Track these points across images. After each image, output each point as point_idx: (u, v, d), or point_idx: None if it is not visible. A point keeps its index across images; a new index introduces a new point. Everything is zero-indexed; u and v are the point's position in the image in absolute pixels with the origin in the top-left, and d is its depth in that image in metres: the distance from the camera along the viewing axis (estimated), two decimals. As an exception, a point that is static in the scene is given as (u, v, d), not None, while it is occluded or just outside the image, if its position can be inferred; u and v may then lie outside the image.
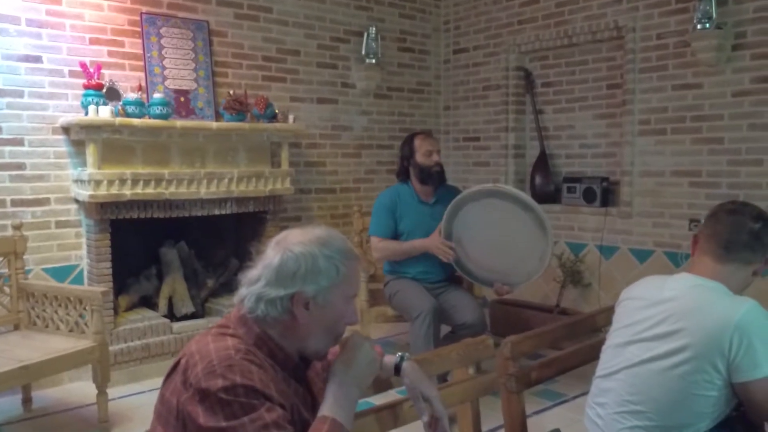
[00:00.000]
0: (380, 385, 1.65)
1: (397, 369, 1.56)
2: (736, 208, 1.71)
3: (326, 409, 1.24)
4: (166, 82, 3.96)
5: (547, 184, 4.79)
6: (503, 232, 3.14)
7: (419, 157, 3.43)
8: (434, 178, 3.43)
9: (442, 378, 2.64)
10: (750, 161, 3.75)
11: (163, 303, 4.04)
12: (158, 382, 1.31)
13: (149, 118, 3.69)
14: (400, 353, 1.59)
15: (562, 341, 2.30)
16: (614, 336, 1.80)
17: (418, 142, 3.47)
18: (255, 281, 1.28)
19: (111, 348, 3.56)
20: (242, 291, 1.30)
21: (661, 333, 1.63)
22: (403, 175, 3.55)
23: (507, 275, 3.21)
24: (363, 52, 4.89)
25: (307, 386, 1.33)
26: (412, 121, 5.34)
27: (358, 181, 5.04)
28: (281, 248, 1.29)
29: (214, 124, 3.96)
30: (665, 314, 1.64)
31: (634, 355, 1.69)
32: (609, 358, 1.79)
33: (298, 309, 1.26)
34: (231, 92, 4.16)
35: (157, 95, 3.78)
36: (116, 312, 3.80)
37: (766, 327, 1.54)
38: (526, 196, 3.11)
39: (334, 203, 4.89)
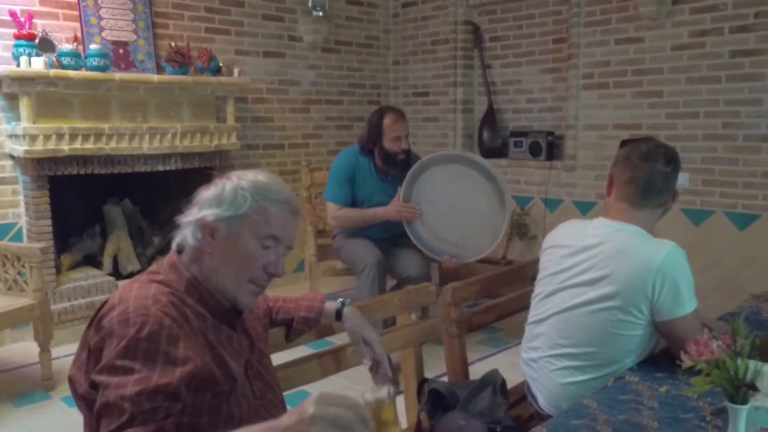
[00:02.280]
0: (322, 331, 1.68)
1: (339, 315, 1.59)
2: (648, 151, 1.72)
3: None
4: (104, 33, 3.81)
5: (494, 139, 4.85)
6: (462, 200, 3.12)
7: (386, 143, 3.27)
8: (398, 164, 3.29)
9: (390, 324, 2.68)
10: (687, 114, 3.87)
11: (107, 261, 3.98)
12: None
13: (86, 70, 3.56)
14: (341, 299, 1.62)
15: (502, 288, 2.37)
16: (542, 284, 1.86)
17: (387, 124, 3.27)
18: (188, 215, 1.28)
19: (54, 307, 3.51)
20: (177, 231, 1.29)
21: (587, 280, 1.69)
22: (366, 150, 3.36)
23: (458, 246, 3.20)
24: (310, 5, 4.79)
25: (244, 330, 1.34)
26: (361, 76, 5.29)
27: (307, 136, 5.00)
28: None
29: (156, 77, 3.85)
30: (591, 261, 1.70)
31: (563, 301, 1.75)
32: (539, 304, 1.85)
33: (204, 236, 1.24)
34: (172, 44, 4.04)
35: (93, 47, 3.64)
36: (59, 271, 3.73)
37: (686, 268, 1.62)
38: (490, 166, 3.08)
39: (282, 159, 4.84)
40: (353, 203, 3.37)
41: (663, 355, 1.70)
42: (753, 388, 1.14)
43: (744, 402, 1.14)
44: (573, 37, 4.30)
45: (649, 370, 1.61)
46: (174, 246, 1.30)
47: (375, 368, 1.62)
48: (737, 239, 3.74)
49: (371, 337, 1.57)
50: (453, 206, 3.14)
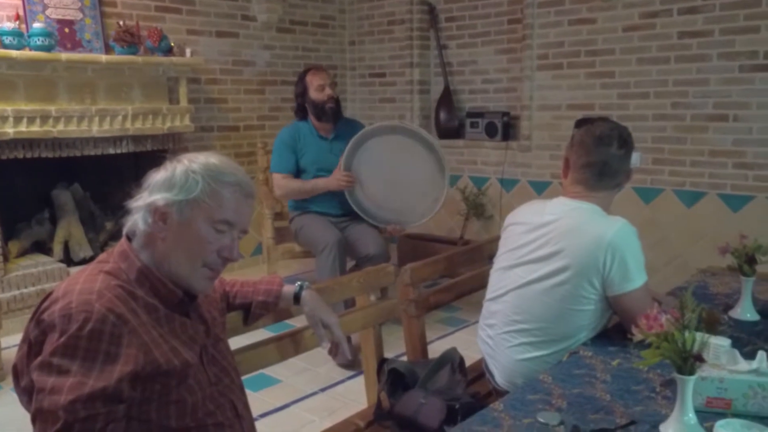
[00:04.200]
0: (280, 313, 1.67)
1: (297, 298, 1.58)
2: (602, 135, 1.75)
3: None
4: (48, 11, 3.67)
5: (451, 120, 4.87)
6: (402, 169, 3.20)
7: (312, 93, 3.37)
8: (328, 113, 3.38)
9: (350, 305, 2.69)
10: (638, 94, 3.95)
11: (58, 248, 3.87)
12: None
13: (30, 50, 3.42)
14: (299, 282, 1.60)
15: (460, 268, 2.40)
16: (500, 260, 1.89)
17: (309, 77, 3.40)
18: (138, 199, 1.25)
19: (2, 296, 3.41)
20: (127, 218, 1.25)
21: (543, 255, 1.73)
22: (300, 112, 3.48)
23: (400, 213, 3.29)
24: (263, -17, 4.70)
25: (200, 316, 1.32)
26: (317, 57, 5.23)
27: (263, 118, 4.93)
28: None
29: (104, 58, 3.74)
30: (546, 237, 1.74)
31: (519, 276, 1.78)
32: (496, 281, 1.89)
33: (156, 221, 1.21)
34: (121, 23, 3.91)
35: (37, 25, 3.49)
36: (6, 258, 3.61)
37: (636, 244, 1.67)
38: (429, 135, 3.16)
39: (237, 141, 4.77)
40: (302, 170, 3.43)
41: (616, 330, 1.75)
42: (700, 359, 1.18)
43: (691, 373, 1.18)
44: (527, 17, 4.33)
45: (602, 345, 1.66)
46: (125, 232, 1.26)
47: (334, 351, 1.63)
48: (685, 216, 3.86)
49: (330, 320, 1.57)
50: (394, 175, 3.22)
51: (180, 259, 1.22)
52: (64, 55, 3.56)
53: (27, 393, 1.13)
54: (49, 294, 1.16)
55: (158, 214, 1.21)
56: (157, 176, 1.24)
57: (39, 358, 1.08)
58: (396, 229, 3.33)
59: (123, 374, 1.07)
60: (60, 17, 3.72)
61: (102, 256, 1.26)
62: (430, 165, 3.13)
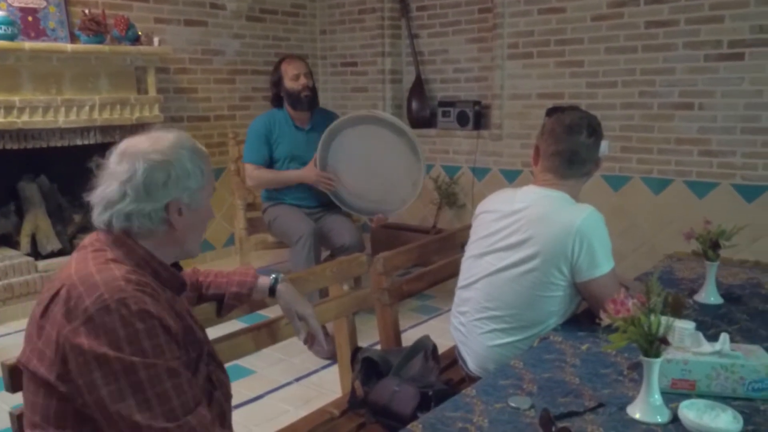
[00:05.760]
0: (253, 305, 1.67)
1: (272, 290, 1.58)
2: (572, 124, 1.78)
3: None
4: (10, 0, 3.58)
5: (423, 109, 4.88)
6: (377, 158, 3.20)
7: (287, 82, 3.36)
8: (304, 102, 3.37)
9: (324, 295, 2.70)
10: (606, 83, 4.00)
11: (25, 241, 3.80)
12: (24, 323, 1.23)
13: (-8, 39, 3.34)
14: (274, 275, 1.59)
15: (432, 256, 2.42)
16: (472, 248, 1.91)
17: (284, 67, 3.39)
18: (118, 200, 1.19)
19: (-32, 290, 3.34)
20: (105, 214, 1.20)
21: (513, 243, 1.75)
22: (276, 101, 3.47)
23: (382, 202, 3.29)
24: (232, -29, 4.65)
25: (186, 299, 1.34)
26: (288, 46, 5.19)
27: (233, 108, 4.88)
28: (135, 159, 1.21)
29: (69, 47, 3.66)
30: (516, 225, 1.76)
31: (490, 264, 1.81)
32: (468, 268, 1.91)
33: (174, 216, 1.23)
34: (86, 12, 3.83)
35: (-1, 14, 3.41)
36: (-29, 252, 3.53)
37: (603, 231, 1.70)
38: (399, 121, 3.16)
39: (208, 131, 4.72)
40: (276, 160, 3.42)
41: (585, 315, 1.79)
42: (665, 342, 1.21)
43: (657, 355, 1.21)
44: (498, 6, 4.35)
45: (571, 330, 1.69)
46: (99, 224, 1.22)
47: (310, 342, 1.64)
48: (653, 203, 3.93)
49: (305, 312, 1.57)
50: (369, 165, 3.23)
51: (194, 239, 1.32)
52: (28, 44, 3.48)
53: (48, 386, 1.11)
54: (59, 289, 1.13)
55: (176, 210, 1.23)
56: (151, 177, 1.20)
57: (94, 356, 1.06)
58: (381, 219, 3.33)
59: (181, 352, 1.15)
60: (23, 5, 3.63)
61: (95, 245, 1.21)
62: (404, 150, 3.14)
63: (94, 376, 1.06)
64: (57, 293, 1.12)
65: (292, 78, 3.35)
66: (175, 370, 1.10)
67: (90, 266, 1.14)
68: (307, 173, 3.30)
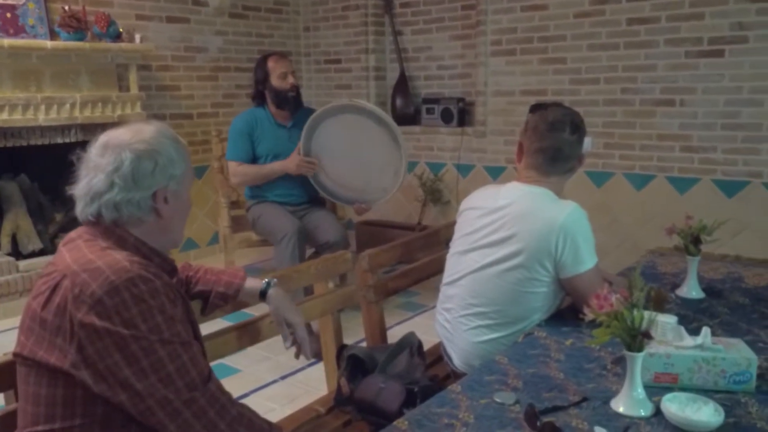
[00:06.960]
0: (238, 304, 1.66)
1: (263, 294, 1.56)
2: (555, 121, 1.79)
3: None
4: (-13, -4, 3.53)
5: (407, 106, 4.88)
6: (359, 148, 3.19)
7: (274, 81, 3.32)
8: (290, 102, 3.35)
9: (309, 292, 2.69)
10: (588, 80, 4.03)
11: (5, 240, 3.75)
12: (6, 323, 1.21)
13: (-31, 36, 3.29)
14: (267, 279, 1.58)
15: (417, 253, 2.42)
16: (456, 245, 1.92)
17: (271, 64, 3.34)
18: (106, 190, 1.19)
19: (-53, 291, 3.29)
20: (92, 206, 1.20)
21: (497, 239, 1.76)
22: (258, 98, 3.43)
23: (364, 192, 3.29)
24: (214, -33, 4.61)
25: None
26: (271, 43, 5.16)
27: (217, 105, 4.85)
28: (120, 150, 1.20)
29: (49, 44, 3.62)
30: (500, 222, 1.76)
31: (475, 261, 1.81)
32: (452, 265, 1.91)
33: (160, 204, 1.24)
34: (66, 8, 3.79)
35: (-24, 10, 3.37)
36: (-49, 253, 3.49)
37: (587, 227, 1.71)
38: (380, 111, 3.15)
39: (191, 129, 4.68)
40: (258, 157, 3.39)
41: (569, 311, 1.80)
42: (647, 336, 1.22)
43: (640, 350, 1.22)
44: (481, 3, 4.36)
45: (556, 325, 1.70)
46: (85, 216, 1.22)
47: (297, 352, 1.61)
48: (635, 199, 3.97)
49: (294, 320, 1.55)
50: (352, 154, 3.22)
51: (179, 226, 1.33)
52: (7, 41, 3.43)
53: (60, 372, 1.10)
54: (59, 281, 1.11)
55: (162, 197, 1.24)
56: (139, 166, 1.21)
57: (113, 335, 1.07)
58: (362, 208, 3.31)
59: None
60: (1, 2, 3.58)
61: (85, 236, 1.20)
62: (385, 139, 3.13)
63: (116, 358, 1.07)
64: (58, 284, 1.11)
65: (280, 76, 3.32)
66: (189, 342, 1.15)
67: (88, 254, 1.14)
68: (289, 162, 3.27)
